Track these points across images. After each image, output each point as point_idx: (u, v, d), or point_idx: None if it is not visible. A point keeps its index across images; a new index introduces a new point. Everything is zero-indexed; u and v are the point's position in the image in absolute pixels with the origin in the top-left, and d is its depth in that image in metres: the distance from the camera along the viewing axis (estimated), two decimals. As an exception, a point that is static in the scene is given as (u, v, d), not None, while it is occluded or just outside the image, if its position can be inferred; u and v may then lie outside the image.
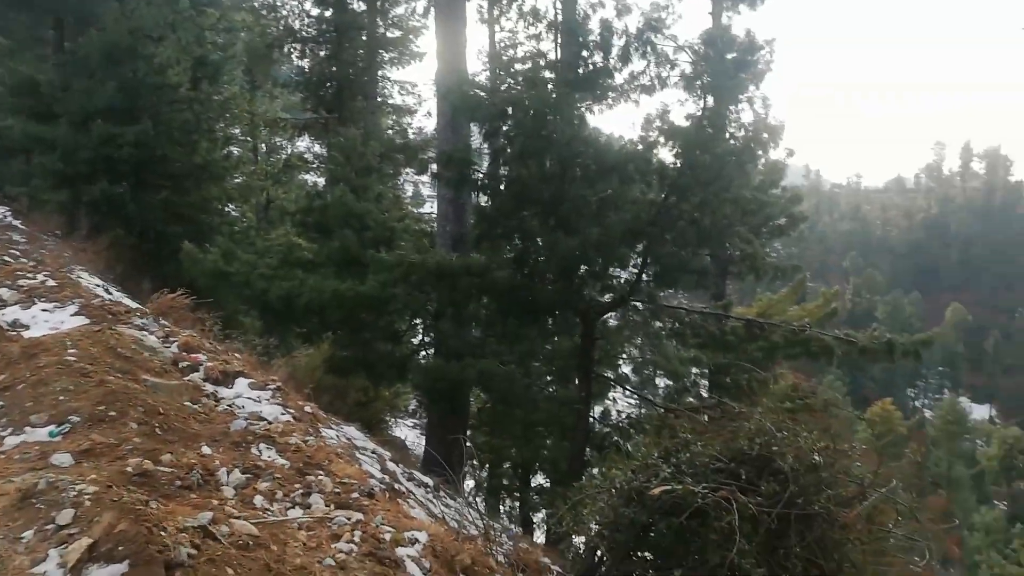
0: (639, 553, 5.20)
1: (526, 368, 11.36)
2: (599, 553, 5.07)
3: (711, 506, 4.91)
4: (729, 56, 8.52)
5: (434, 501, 6.29)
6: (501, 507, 15.62)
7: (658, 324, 9.98)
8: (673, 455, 5.47)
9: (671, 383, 10.30)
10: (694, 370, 10.36)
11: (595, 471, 9.03)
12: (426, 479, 7.16)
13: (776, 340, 9.57)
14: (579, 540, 5.44)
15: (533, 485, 14.84)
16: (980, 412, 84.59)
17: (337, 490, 4.44)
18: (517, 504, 15.61)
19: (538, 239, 9.24)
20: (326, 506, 4.14)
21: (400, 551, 3.93)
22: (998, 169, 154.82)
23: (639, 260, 9.45)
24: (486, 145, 9.94)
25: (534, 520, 14.82)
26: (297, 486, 4.31)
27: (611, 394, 12.10)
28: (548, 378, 12.01)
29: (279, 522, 3.76)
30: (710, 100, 8.74)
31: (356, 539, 3.81)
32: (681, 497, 4.99)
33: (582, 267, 9.50)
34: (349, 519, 4.00)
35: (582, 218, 8.90)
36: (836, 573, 5.24)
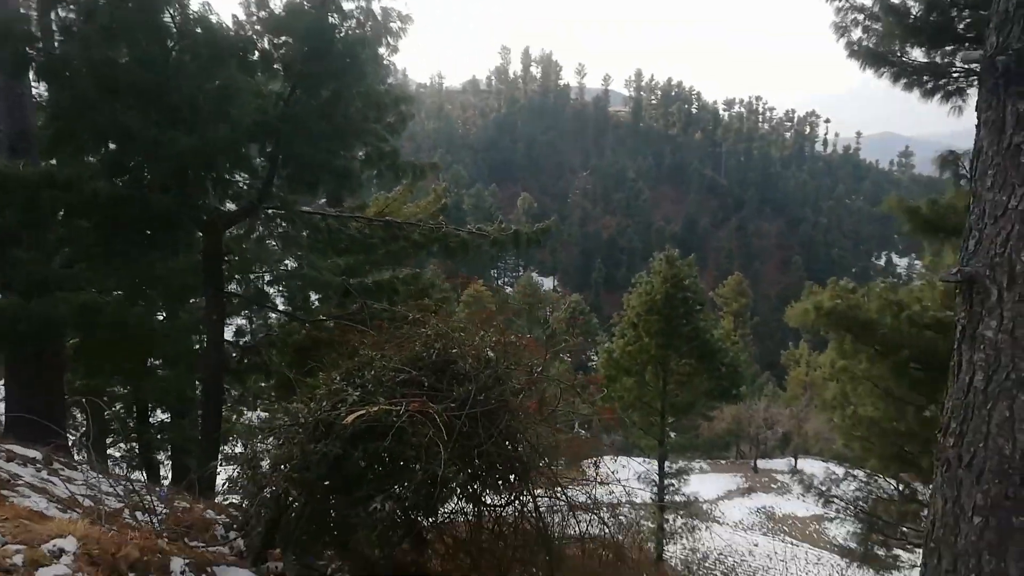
0: (333, 487, 4.75)
1: (137, 296, 9.63)
2: (288, 497, 4.47)
3: (406, 422, 4.66)
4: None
5: (53, 481, 4.91)
6: (115, 453, 13.59)
7: (295, 232, 9.16)
8: (357, 375, 5.03)
9: (319, 295, 9.68)
10: (342, 279, 9.87)
11: (251, 415, 8.13)
12: (29, 452, 5.59)
13: (417, 239, 9.58)
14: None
15: (154, 423, 13.14)
16: (547, 284, 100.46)
17: None
18: (135, 447, 13.70)
19: (140, 139, 7.54)
20: None
21: (42, 573, 2.86)
22: (551, 74, 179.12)
23: (268, 163, 8.44)
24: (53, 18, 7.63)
25: (160, 460, 13.27)
26: None
27: (246, 312, 11.01)
28: (165, 304, 10.39)
29: None
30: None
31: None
32: (375, 419, 4.63)
33: (201, 172, 8.11)
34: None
35: (198, 113, 7.50)
36: (521, 458, 5.46)
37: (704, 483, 39.61)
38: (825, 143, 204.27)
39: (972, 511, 3.28)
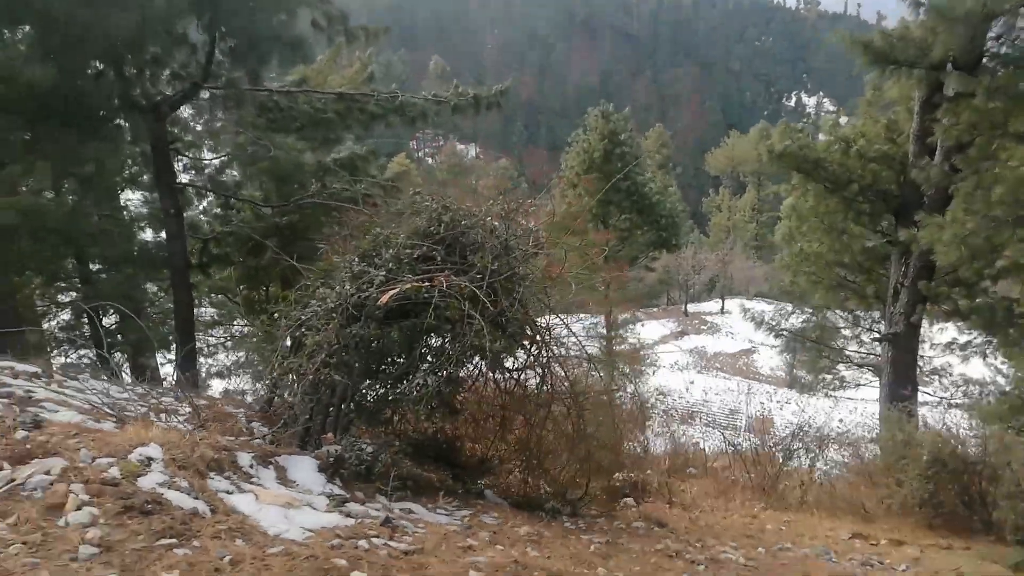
0: (370, 368, 4.71)
1: (76, 194, 8.91)
2: (329, 383, 4.41)
3: (437, 297, 4.59)
4: None
5: (66, 392, 4.68)
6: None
7: (245, 113, 8.46)
8: (375, 256, 4.87)
9: (284, 179, 9.09)
10: (308, 157, 9.31)
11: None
12: (28, 367, 5.28)
13: (373, 110, 9.08)
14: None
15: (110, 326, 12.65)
16: (471, 151, 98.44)
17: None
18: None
19: (68, 20, 6.68)
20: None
21: (144, 483, 2.77)
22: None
23: (207, 37, 7.67)
24: None
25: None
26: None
27: (201, 203, 10.35)
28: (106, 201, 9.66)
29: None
30: None
31: (83, 496, 2.52)
32: (406, 296, 4.54)
33: (136, 53, 7.32)
34: (48, 472, 2.62)
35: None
36: (535, 322, 5.52)
37: (641, 331, 41.57)
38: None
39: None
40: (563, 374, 5.35)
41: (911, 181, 11.31)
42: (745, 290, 47.77)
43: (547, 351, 5.43)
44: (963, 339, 13.33)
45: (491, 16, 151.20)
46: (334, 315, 4.41)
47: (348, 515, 3.35)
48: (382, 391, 4.83)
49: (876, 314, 13.81)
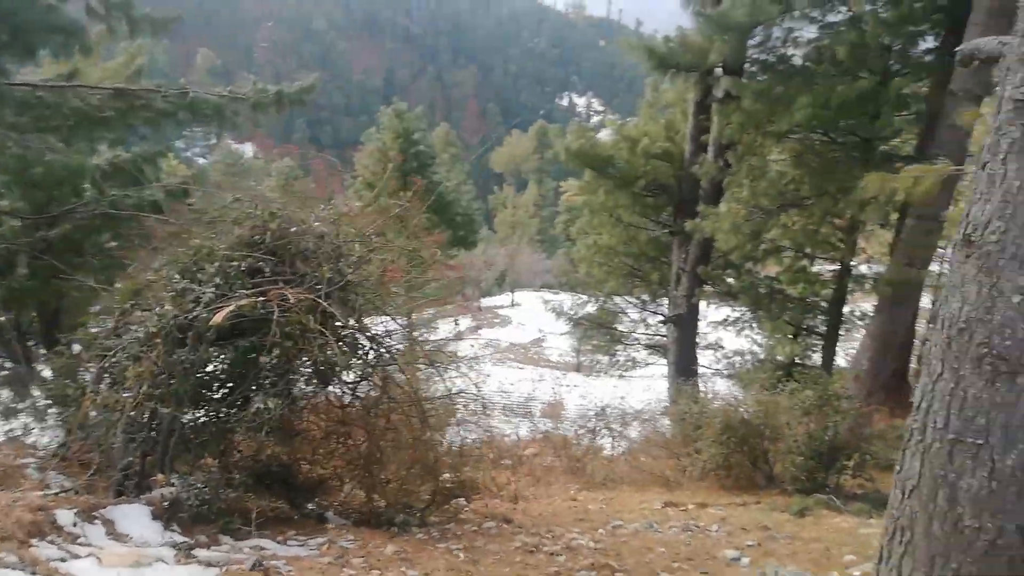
0: (203, 394, 4.24)
1: None
2: (155, 417, 3.92)
3: (272, 311, 4.27)
4: None
5: None
6: None
7: (5, 111, 7.14)
8: (198, 270, 4.40)
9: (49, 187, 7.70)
10: (96, 161, 8.07)
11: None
12: None
13: (162, 107, 8.19)
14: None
15: None
16: (247, 151, 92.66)
17: None
18: None
19: None
20: None
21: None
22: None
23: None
24: None
25: None
26: None
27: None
28: None
29: None
30: None
31: None
32: (241, 313, 4.16)
33: None
34: None
35: None
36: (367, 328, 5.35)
37: (438, 328, 41.77)
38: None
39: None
40: (404, 379, 5.23)
41: (689, 176, 12.51)
42: (532, 283, 49.88)
43: (383, 359, 5.30)
44: (734, 316, 15.00)
45: (264, 8, 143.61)
46: (157, 340, 3.94)
47: (209, 564, 3.02)
48: (216, 419, 4.40)
49: (662, 299, 15.12)
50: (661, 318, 15.21)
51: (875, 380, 9.74)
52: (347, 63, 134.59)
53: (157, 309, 4.13)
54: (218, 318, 3.99)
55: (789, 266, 11.87)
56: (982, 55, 2.19)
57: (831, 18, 10.38)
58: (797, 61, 10.55)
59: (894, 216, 10.01)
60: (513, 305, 51.57)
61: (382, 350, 5.23)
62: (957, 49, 2.35)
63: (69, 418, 4.42)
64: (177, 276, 4.32)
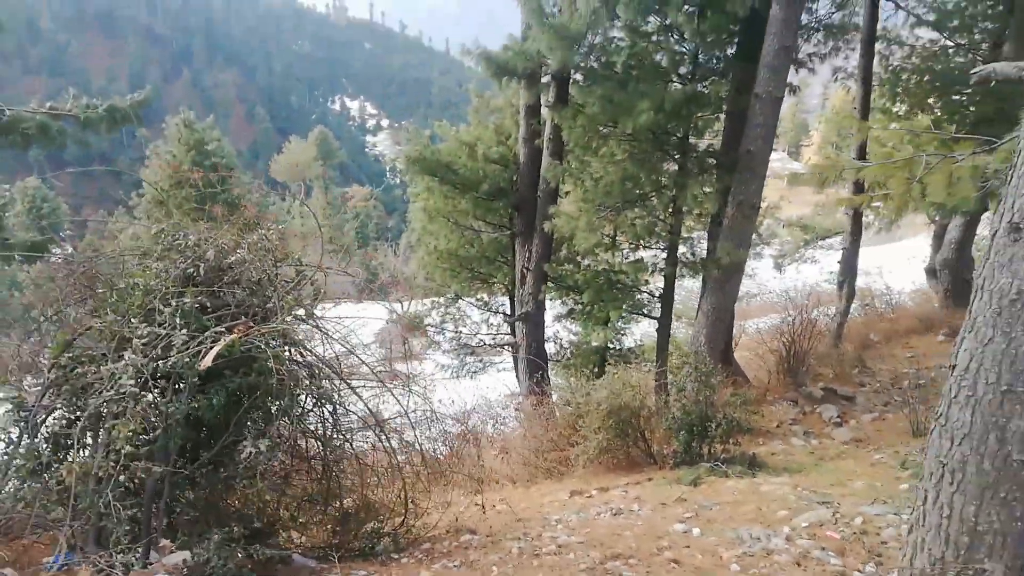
0: (192, 444, 3.77)
1: None
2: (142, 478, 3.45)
3: (252, 347, 3.95)
4: None
5: None
6: None
7: None
8: (154, 312, 3.92)
9: None
10: None
11: None
12: None
13: None
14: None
15: None
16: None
17: None
18: None
19: None
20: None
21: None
22: None
23: None
24: None
25: None
26: None
27: None
28: None
29: None
30: None
31: None
32: (226, 353, 3.80)
33: None
34: None
35: None
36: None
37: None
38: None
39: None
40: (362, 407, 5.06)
41: (523, 177, 13.08)
42: (346, 294, 48.46)
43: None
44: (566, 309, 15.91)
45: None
46: (140, 393, 3.48)
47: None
48: (207, 471, 3.98)
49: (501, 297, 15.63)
50: (502, 316, 15.70)
51: (712, 354, 10.89)
52: (83, 66, 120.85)
53: (127, 359, 3.64)
54: (207, 360, 3.63)
55: (625, 256, 12.88)
56: (998, 77, 2.73)
57: (645, 28, 11.42)
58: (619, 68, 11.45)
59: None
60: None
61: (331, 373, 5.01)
62: (973, 72, 2.88)
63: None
64: (135, 319, 3.83)
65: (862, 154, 13.64)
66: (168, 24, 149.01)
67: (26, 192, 41.43)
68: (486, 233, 14.32)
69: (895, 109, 14.44)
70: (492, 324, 15.80)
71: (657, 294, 12.59)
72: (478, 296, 15.62)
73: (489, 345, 15.36)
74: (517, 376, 14.66)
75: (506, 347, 15.23)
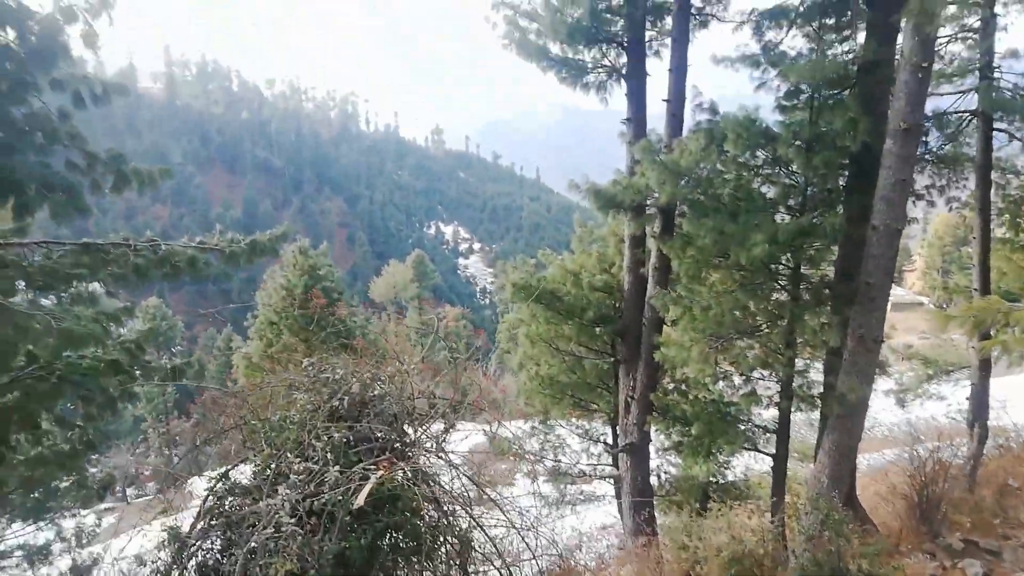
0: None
1: None
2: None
3: (400, 485, 3.99)
4: None
5: None
6: None
7: None
8: (309, 447, 4.05)
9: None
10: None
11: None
12: None
13: (136, 262, 7.60)
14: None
15: None
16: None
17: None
18: None
19: None
20: None
21: None
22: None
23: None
24: None
25: None
26: None
27: None
28: None
29: None
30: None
31: None
32: (375, 490, 3.84)
33: None
34: None
35: None
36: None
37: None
38: (368, 121, 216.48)
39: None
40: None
41: (628, 304, 13.08)
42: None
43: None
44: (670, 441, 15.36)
45: (110, 138, 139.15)
46: (298, 531, 3.53)
47: None
48: None
49: (603, 427, 15.29)
50: (602, 446, 15.31)
51: (837, 497, 10.18)
52: (204, 195, 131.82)
53: (281, 495, 3.72)
54: (361, 498, 3.67)
55: (737, 388, 12.47)
56: None
57: (752, 161, 11.56)
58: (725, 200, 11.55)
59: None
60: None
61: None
62: None
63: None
64: (290, 455, 3.95)
65: (985, 284, 13.03)
66: (282, 157, 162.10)
67: (147, 311, 44.42)
68: (588, 359, 14.24)
69: (1018, 239, 13.90)
70: (592, 454, 15.39)
71: (766, 427, 12.03)
72: (578, 423, 15.33)
73: (589, 476, 14.89)
74: (620, 511, 14.07)
75: (608, 479, 14.73)
